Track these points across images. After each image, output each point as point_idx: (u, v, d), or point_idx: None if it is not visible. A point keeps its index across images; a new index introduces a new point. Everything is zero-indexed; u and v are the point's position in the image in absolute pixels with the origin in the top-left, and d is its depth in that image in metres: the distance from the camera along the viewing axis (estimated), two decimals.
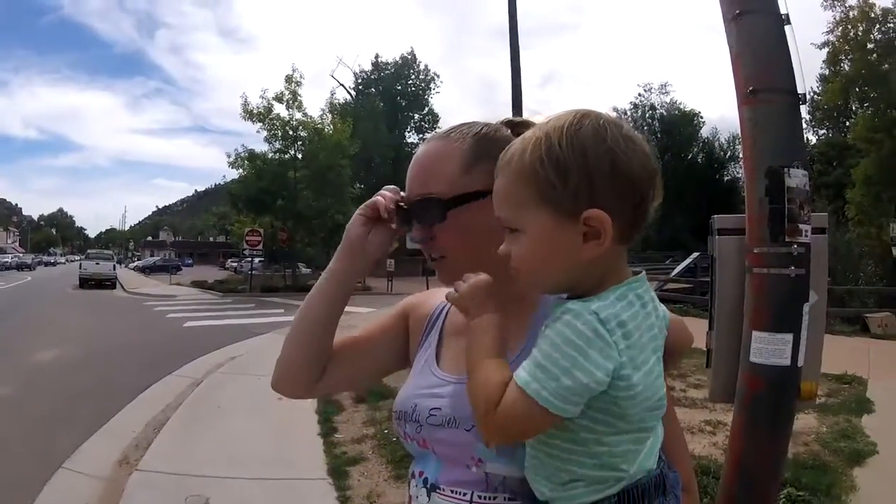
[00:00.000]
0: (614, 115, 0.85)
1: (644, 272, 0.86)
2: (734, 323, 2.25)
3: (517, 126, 1.04)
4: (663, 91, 45.20)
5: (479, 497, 0.92)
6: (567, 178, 0.76)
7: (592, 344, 0.74)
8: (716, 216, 2.45)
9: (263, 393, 6.59)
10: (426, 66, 47.94)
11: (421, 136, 46.94)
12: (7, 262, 56.45)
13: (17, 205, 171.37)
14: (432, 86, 47.55)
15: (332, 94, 40.81)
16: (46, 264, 71.78)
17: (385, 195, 1.06)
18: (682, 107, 45.20)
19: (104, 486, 4.39)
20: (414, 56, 47.20)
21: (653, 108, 45.32)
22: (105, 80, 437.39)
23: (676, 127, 43.78)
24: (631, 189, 0.77)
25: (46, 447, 5.29)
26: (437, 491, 0.96)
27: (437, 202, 0.98)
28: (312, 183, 27.40)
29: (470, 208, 0.97)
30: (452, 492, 0.94)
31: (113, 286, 31.32)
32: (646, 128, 43.51)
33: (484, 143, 1.00)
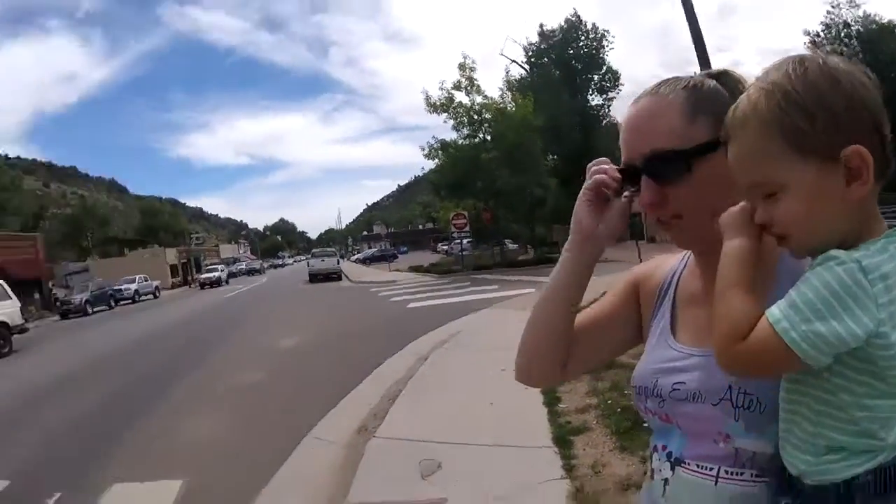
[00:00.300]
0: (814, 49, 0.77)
1: None
2: None
3: (719, 76, 0.98)
4: (853, 4, 37.85)
5: (727, 472, 0.88)
6: (814, 119, 0.71)
7: (852, 293, 0.69)
8: None
9: (486, 365, 6.87)
10: (594, 24, 45.38)
11: (604, 96, 44.91)
12: (242, 268, 67.25)
13: (242, 221, 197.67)
14: (604, 43, 44.80)
15: (507, 71, 40.52)
16: (275, 266, 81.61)
17: (603, 168, 1.00)
18: (878, 19, 37.50)
19: (346, 451, 4.85)
20: (579, 18, 44.80)
21: (847, 25, 38.21)
22: (296, 103, 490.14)
23: (876, 44, 36.06)
24: (870, 120, 0.73)
25: (293, 419, 6.03)
26: (682, 465, 0.93)
27: (678, 155, 0.90)
28: (505, 161, 27.75)
29: (708, 160, 0.90)
30: (698, 466, 0.91)
31: (339, 278, 34.92)
32: (843, 50, 37.13)
33: (697, 93, 0.94)
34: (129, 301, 34.04)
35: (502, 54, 44.89)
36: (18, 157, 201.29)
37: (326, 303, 20.64)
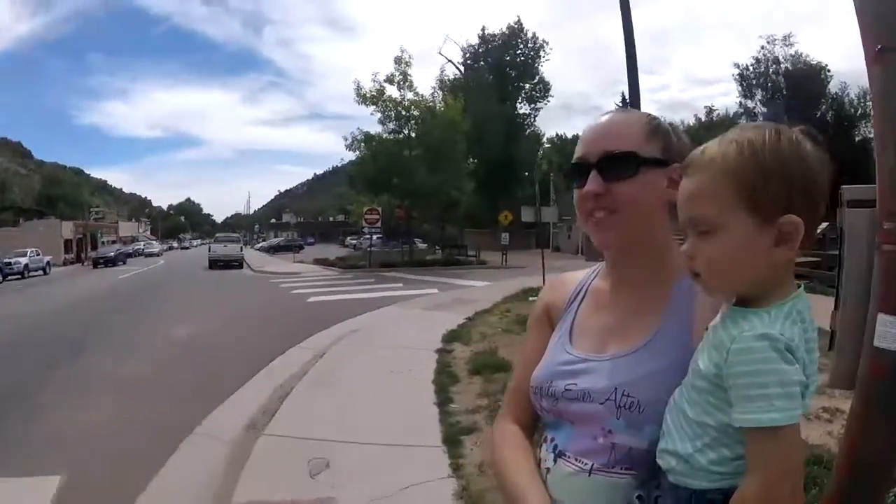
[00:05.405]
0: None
1: (803, 286, 0.88)
2: (862, 304, 2.09)
3: (671, 125, 1.17)
4: (787, 43, 40.74)
5: (598, 467, 1.00)
6: (768, 183, 0.81)
7: (779, 359, 0.79)
8: (845, 187, 2.27)
9: (383, 363, 7.01)
10: (534, 34, 47.29)
11: (532, 105, 46.93)
12: (140, 248, 61.84)
13: (146, 197, 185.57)
14: (541, 54, 46.81)
15: (442, 71, 41.19)
16: (177, 248, 76.59)
17: None
18: (807, 59, 40.63)
19: (233, 449, 4.74)
20: (521, 25, 46.82)
21: (776, 61, 41.09)
22: (221, 79, 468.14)
23: (801, 83, 39.18)
24: (816, 199, 0.83)
25: (181, 413, 5.80)
26: (563, 457, 1.05)
27: (633, 157, 1.05)
28: (427, 161, 27.87)
29: (652, 172, 1.05)
30: (577, 460, 1.03)
31: (240, 266, 33.60)
32: (770, 84, 40.07)
33: (656, 123, 1.12)
34: (19, 276, 31.03)
35: (440, 53, 45.77)
36: None
37: (223, 291, 20.05)
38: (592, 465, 1.00)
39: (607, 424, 1.00)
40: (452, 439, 4.53)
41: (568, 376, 1.09)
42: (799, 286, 0.87)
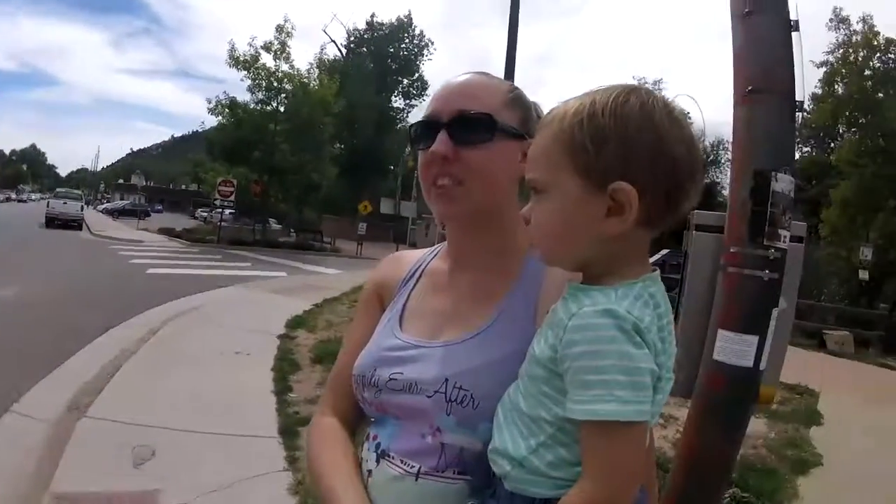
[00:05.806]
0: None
1: (658, 270, 0.81)
2: (701, 319, 2.26)
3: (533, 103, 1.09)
4: (657, 87, 44.90)
5: (427, 471, 0.88)
6: (603, 147, 0.74)
7: (625, 339, 0.70)
8: (695, 211, 2.42)
9: (221, 346, 6.71)
10: (421, 31, 47.73)
11: (408, 101, 47.27)
12: None
13: None
14: (425, 52, 47.32)
15: (323, 49, 40.48)
16: (14, 200, 68.85)
17: None
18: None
19: (51, 432, 4.30)
20: (410, 20, 46.96)
21: None
22: (91, 16, 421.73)
23: None
24: (667, 172, 0.75)
25: None
26: (387, 458, 0.92)
27: (489, 121, 0.95)
28: (292, 137, 27.13)
29: (507, 143, 0.96)
30: (402, 462, 0.90)
31: (79, 227, 30.41)
32: None
33: (518, 92, 1.03)
34: None
35: (324, 31, 44.84)
36: None
37: (58, 254, 17.91)
38: (420, 468, 0.88)
39: (436, 421, 0.89)
40: (289, 430, 4.37)
41: (394, 364, 0.96)
42: (654, 270, 0.80)
